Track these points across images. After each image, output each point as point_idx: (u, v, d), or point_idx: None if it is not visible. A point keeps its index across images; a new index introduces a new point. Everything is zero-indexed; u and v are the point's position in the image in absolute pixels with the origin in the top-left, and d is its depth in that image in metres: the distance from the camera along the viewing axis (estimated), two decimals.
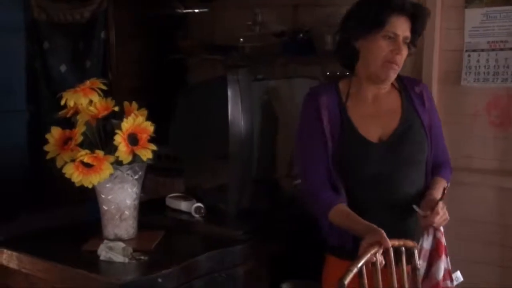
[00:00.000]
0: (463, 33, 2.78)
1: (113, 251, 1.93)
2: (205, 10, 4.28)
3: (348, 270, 1.59)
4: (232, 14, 4.19)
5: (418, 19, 1.95)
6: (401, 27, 1.92)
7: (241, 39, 4.06)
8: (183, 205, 2.37)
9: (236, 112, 2.23)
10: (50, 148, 2.02)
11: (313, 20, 3.90)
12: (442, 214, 1.88)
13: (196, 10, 4.32)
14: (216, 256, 2.04)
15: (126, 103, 2.10)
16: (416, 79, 2.14)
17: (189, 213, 2.33)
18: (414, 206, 1.90)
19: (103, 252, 1.93)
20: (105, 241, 2.01)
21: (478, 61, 2.77)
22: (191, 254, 2.00)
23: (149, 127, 2.04)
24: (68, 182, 1.94)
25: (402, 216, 1.94)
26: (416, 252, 1.85)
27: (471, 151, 2.77)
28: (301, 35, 3.86)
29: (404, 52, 1.94)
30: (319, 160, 1.95)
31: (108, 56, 3.70)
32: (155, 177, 3.15)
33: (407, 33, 1.94)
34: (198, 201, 2.35)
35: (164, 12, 4.22)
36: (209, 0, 4.17)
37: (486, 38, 2.72)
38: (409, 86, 2.06)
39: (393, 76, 1.96)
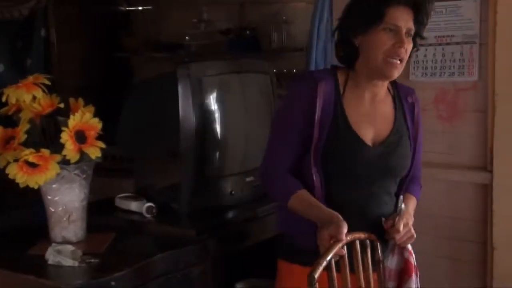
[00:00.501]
0: None
1: (61, 255, 1.86)
2: (149, 7, 4.22)
3: (317, 263, 1.55)
4: (178, 11, 4.14)
5: (420, 8, 1.84)
6: (402, 18, 1.81)
7: (187, 37, 4.03)
8: (134, 205, 2.30)
9: (187, 108, 2.18)
10: None
11: (259, 18, 3.90)
12: (405, 232, 1.84)
13: (140, 8, 4.26)
14: (170, 257, 1.98)
15: (72, 100, 2.03)
16: (410, 88, 2.04)
17: (140, 214, 2.26)
18: (383, 219, 1.87)
19: (51, 256, 1.86)
20: (53, 244, 1.94)
21: (425, 55, 2.81)
22: (144, 255, 1.94)
23: (97, 124, 1.98)
24: (12, 183, 1.87)
25: (373, 222, 1.89)
26: (379, 245, 1.84)
27: None
28: (247, 32, 3.85)
29: (408, 45, 1.83)
30: (290, 146, 1.88)
31: (49, 55, 3.59)
32: (101, 179, 3.06)
33: (410, 24, 1.83)
34: (148, 201, 2.28)
35: (107, 10, 4.14)
36: None
37: (433, 33, 2.75)
38: (402, 94, 1.98)
39: (396, 72, 1.84)
